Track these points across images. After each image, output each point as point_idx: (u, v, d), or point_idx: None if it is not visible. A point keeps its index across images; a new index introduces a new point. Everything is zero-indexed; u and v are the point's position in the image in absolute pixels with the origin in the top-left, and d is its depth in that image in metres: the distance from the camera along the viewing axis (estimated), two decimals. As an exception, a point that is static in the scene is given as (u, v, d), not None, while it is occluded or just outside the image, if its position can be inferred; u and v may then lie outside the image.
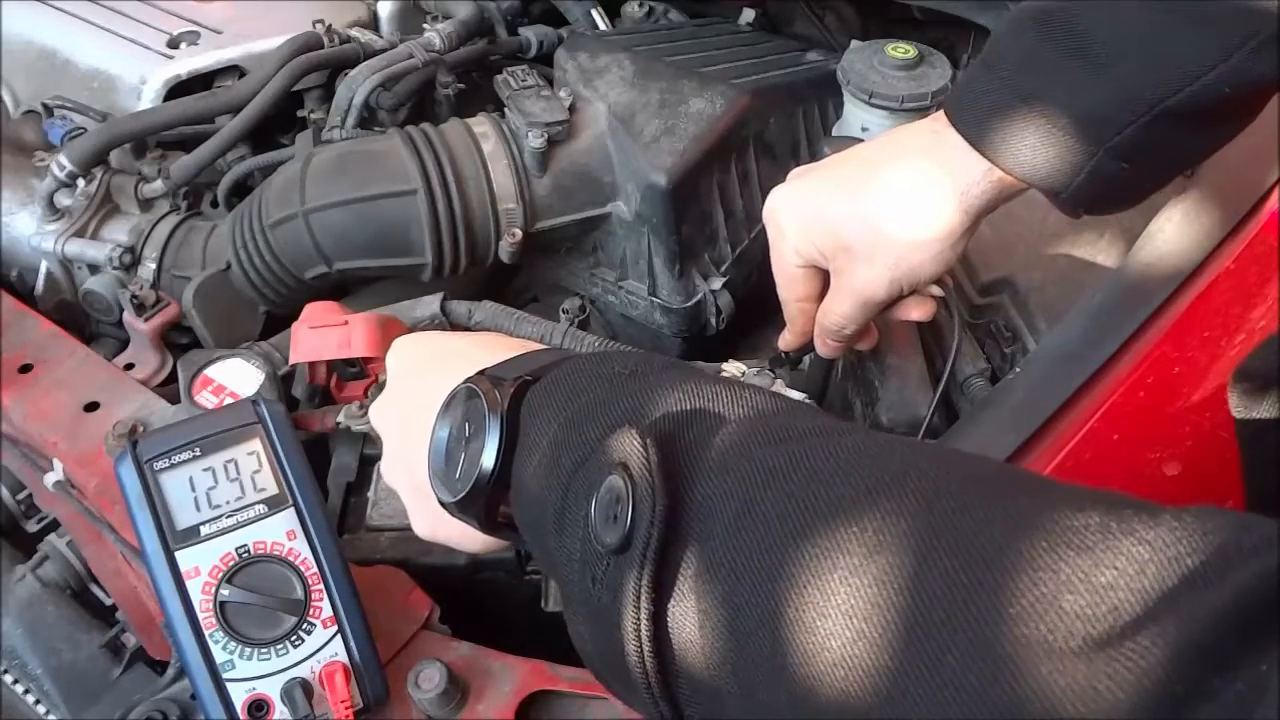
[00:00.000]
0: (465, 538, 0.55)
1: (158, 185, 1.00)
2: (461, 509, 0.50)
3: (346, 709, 0.58)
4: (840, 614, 0.34)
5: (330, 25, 1.10)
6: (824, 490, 0.37)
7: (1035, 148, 0.63)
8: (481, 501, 0.49)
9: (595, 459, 0.42)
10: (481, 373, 0.51)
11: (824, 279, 0.77)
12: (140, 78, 1.08)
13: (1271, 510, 0.30)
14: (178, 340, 0.95)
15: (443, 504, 0.51)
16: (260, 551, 0.60)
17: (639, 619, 0.38)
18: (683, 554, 0.39)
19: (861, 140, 0.85)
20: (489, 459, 0.47)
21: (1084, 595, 0.30)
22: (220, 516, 0.60)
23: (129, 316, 0.91)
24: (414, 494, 0.57)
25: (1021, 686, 0.29)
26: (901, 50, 0.93)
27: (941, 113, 0.69)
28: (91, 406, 0.80)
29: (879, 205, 0.70)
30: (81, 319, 1.01)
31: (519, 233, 0.94)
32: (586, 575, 0.41)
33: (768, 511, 0.38)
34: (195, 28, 1.13)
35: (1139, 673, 0.27)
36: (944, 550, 0.33)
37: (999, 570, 0.31)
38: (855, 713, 0.33)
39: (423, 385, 0.55)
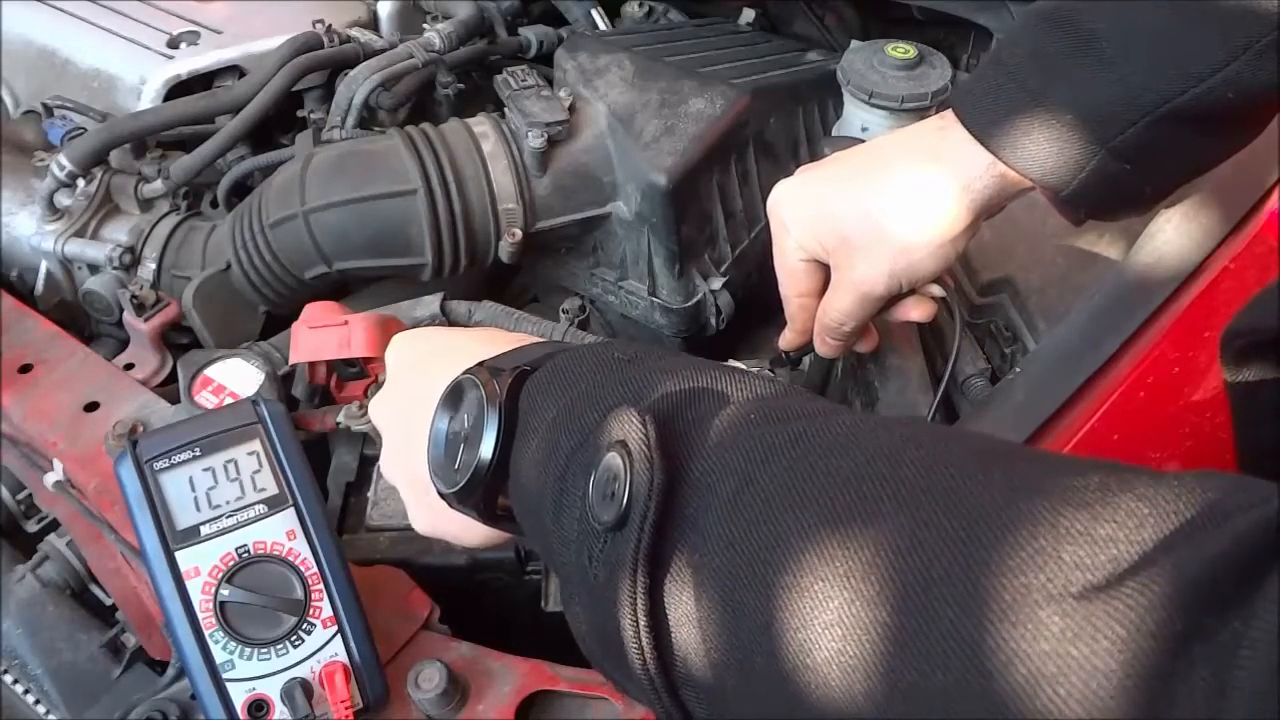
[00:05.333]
0: (465, 531, 0.55)
1: (158, 185, 1.00)
2: (461, 500, 0.50)
3: (346, 709, 0.58)
4: (837, 576, 0.34)
5: (330, 25, 1.10)
6: (822, 463, 0.37)
7: (1039, 143, 0.63)
8: (481, 492, 0.49)
9: (593, 439, 0.42)
10: (480, 364, 0.51)
11: (825, 275, 0.77)
12: (140, 78, 1.08)
13: (1265, 466, 0.31)
14: (178, 340, 0.95)
15: (442, 496, 0.51)
16: (260, 551, 0.60)
17: (635, 594, 0.39)
18: (680, 529, 0.39)
19: (862, 140, 0.85)
20: (487, 449, 0.48)
21: (1083, 547, 0.30)
22: (220, 516, 0.60)
23: (129, 316, 0.91)
24: (413, 488, 0.57)
25: (1020, 630, 0.29)
26: (901, 50, 0.93)
27: (949, 110, 0.69)
28: (91, 406, 0.80)
29: (882, 199, 0.70)
30: (81, 319, 1.00)
31: (519, 233, 0.94)
32: (583, 554, 0.42)
33: (766, 486, 0.38)
34: (195, 28, 1.13)
35: (1140, 610, 0.28)
36: (942, 511, 0.33)
37: (998, 527, 0.32)
38: (852, 673, 0.33)
39: (421, 380, 0.55)
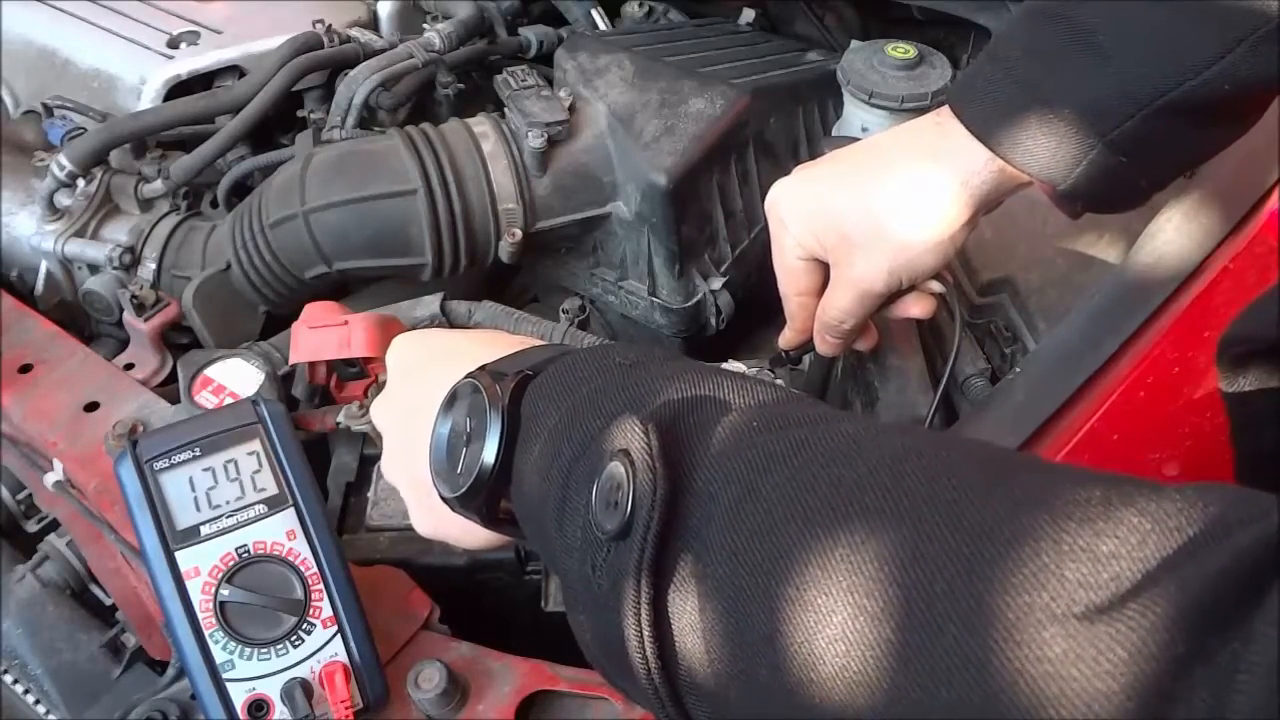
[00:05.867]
0: (467, 534, 0.55)
1: (158, 185, 1.00)
2: (463, 504, 0.50)
3: (346, 709, 0.58)
4: (841, 590, 0.34)
5: (330, 25, 1.10)
6: (824, 472, 0.37)
7: (1036, 137, 0.63)
8: (483, 496, 0.49)
9: (596, 447, 0.42)
10: (482, 368, 0.51)
11: (824, 273, 0.77)
12: (140, 78, 1.08)
13: (1260, 473, 0.31)
14: (178, 340, 0.95)
15: (444, 500, 0.51)
16: (260, 551, 0.60)
17: (639, 604, 0.39)
18: (683, 539, 0.39)
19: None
20: (490, 454, 0.48)
21: (1086, 564, 0.30)
22: (220, 516, 0.60)
23: (129, 316, 0.91)
24: (415, 491, 0.57)
25: (1024, 650, 0.29)
26: (901, 50, 0.93)
27: (946, 106, 0.69)
28: (91, 406, 0.80)
29: (881, 197, 0.70)
30: (81, 319, 1.00)
31: (519, 233, 0.94)
32: (586, 563, 0.42)
33: (769, 495, 0.38)
34: (195, 28, 1.13)
35: (1142, 632, 0.28)
36: (945, 524, 0.33)
37: (1001, 542, 0.32)
38: (856, 689, 0.33)
39: (423, 383, 0.55)
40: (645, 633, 0.39)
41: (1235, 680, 0.26)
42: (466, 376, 0.51)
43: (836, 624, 0.33)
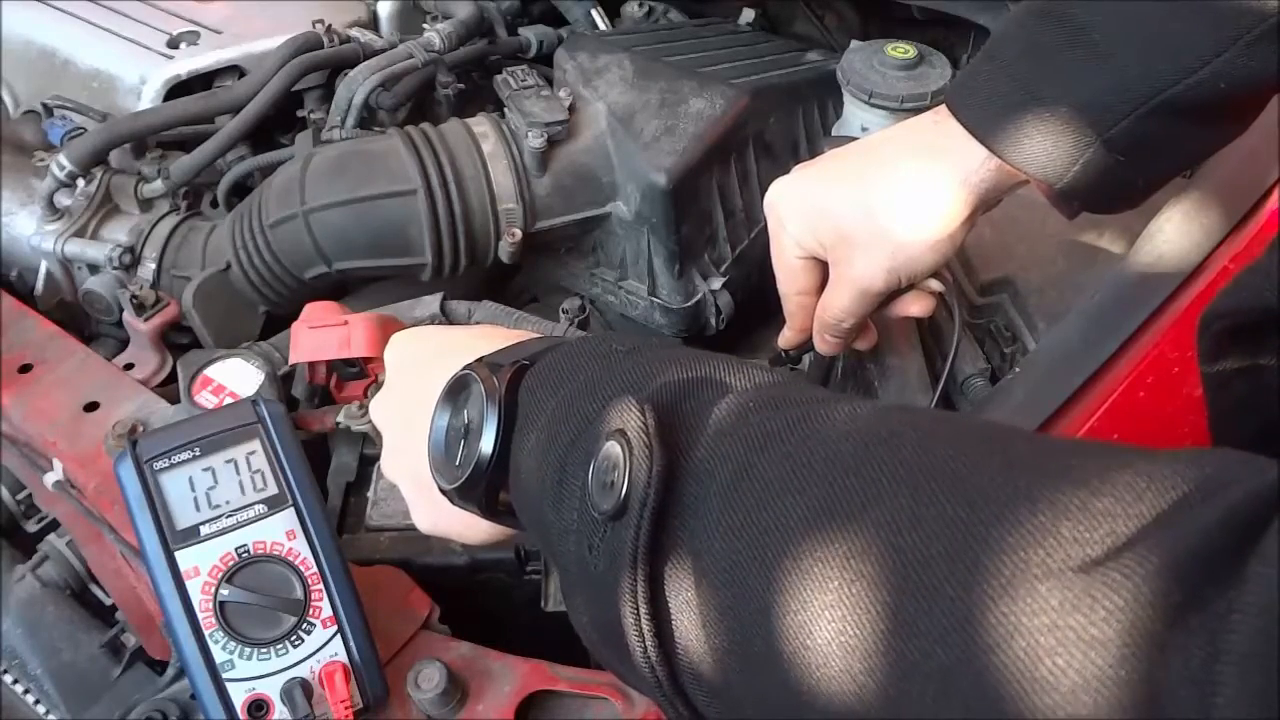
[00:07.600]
0: (467, 528, 0.55)
1: (158, 185, 1.00)
2: (462, 496, 0.50)
3: (346, 709, 0.58)
4: (836, 557, 0.34)
5: (330, 25, 1.10)
6: (821, 448, 0.38)
7: (1033, 136, 0.64)
8: (481, 487, 0.49)
9: (592, 429, 0.42)
10: (479, 360, 0.51)
11: (824, 272, 0.77)
12: (140, 78, 1.08)
13: None
14: (178, 340, 0.95)
15: (443, 492, 0.51)
16: (260, 551, 0.60)
17: (635, 583, 0.39)
18: (679, 517, 0.39)
19: (861, 140, 0.85)
20: (488, 444, 0.48)
21: (1082, 521, 0.30)
22: (220, 516, 0.60)
23: (129, 316, 0.91)
24: (415, 486, 0.57)
25: (1019, 604, 0.29)
26: (901, 50, 0.93)
27: (944, 104, 0.69)
28: (91, 406, 0.80)
29: (879, 195, 0.70)
30: (81, 319, 1.00)
31: (519, 233, 0.94)
32: (583, 544, 0.42)
33: (765, 472, 0.38)
34: (195, 28, 1.13)
35: (1137, 580, 0.28)
36: (941, 491, 0.33)
37: (996, 504, 0.32)
38: (852, 654, 0.33)
39: (421, 378, 0.55)
40: (642, 610, 0.39)
41: (1230, 621, 0.26)
42: (463, 368, 0.51)
43: (832, 590, 0.33)
